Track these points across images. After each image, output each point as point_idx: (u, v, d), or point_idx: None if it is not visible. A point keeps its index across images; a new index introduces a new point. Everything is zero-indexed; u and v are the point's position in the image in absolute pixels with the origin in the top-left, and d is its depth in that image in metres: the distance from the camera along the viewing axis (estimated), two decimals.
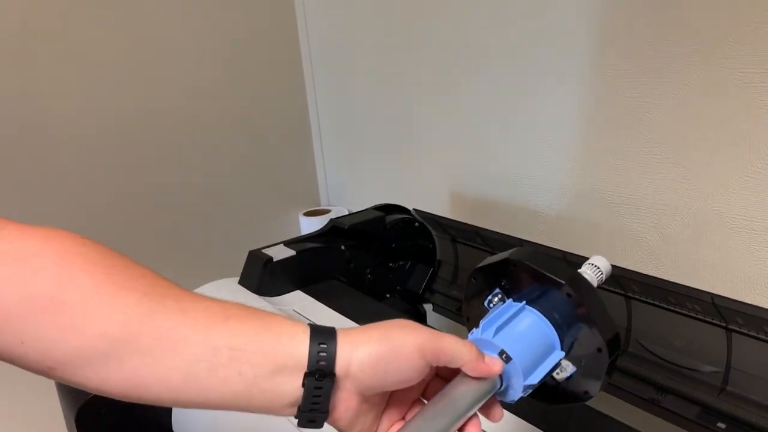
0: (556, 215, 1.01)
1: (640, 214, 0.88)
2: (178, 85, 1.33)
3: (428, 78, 1.19)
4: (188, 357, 0.36)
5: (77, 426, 0.76)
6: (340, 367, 0.38)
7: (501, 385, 0.41)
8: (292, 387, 0.37)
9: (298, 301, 0.88)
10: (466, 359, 0.39)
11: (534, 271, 0.44)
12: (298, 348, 0.37)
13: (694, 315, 0.70)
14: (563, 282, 0.42)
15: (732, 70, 0.74)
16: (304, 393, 0.37)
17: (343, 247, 0.98)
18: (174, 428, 0.81)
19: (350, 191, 1.57)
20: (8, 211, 1.06)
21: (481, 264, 0.47)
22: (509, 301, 0.45)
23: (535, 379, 0.41)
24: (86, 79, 1.21)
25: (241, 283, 0.91)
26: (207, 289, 0.91)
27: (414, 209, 1.05)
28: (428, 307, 1.06)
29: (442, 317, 1.04)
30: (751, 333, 0.66)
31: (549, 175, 1.01)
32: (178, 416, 0.79)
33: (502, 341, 0.41)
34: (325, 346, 0.38)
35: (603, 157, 0.92)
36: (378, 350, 0.38)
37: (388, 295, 1.03)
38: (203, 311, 0.38)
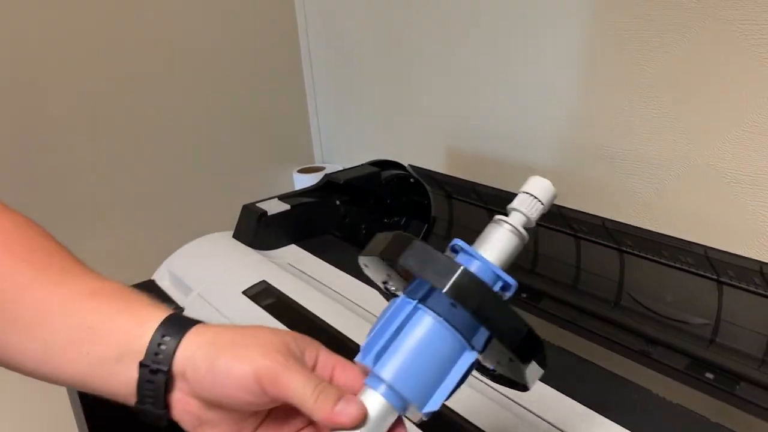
0: (552, 170, 1.00)
1: (636, 168, 0.88)
2: (169, 38, 1.31)
3: (425, 31, 1.17)
4: (50, 331, 0.36)
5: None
6: (178, 364, 0.35)
7: (401, 409, 0.34)
8: (130, 376, 0.35)
9: (293, 255, 0.89)
10: (310, 407, 0.33)
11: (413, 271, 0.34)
12: (143, 337, 0.35)
13: (687, 268, 0.71)
14: (442, 289, 0.33)
15: (732, 22, 0.73)
16: (137, 384, 0.35)
17: (338, 202, 0.98)
18: None
19: (345, 148, 1.56)
20: None
21: (362, 253, 0.39)
22: (402, 297, 0.36)
23: (441, 397, 0.34)
24: (77, 31, 1.18)
25: (235, 236, 0.91)
26: (201, 242, 0.91)
27: (410, 165, 1.04)
28: None
29: None
30: (741, 285, 0.66)
31: (546, 129, 1.00)
32: None
33: (387, 367, 0.34)
34: (168, 338, 0.35)
35: (600, 112, 0.91)
36: (215, 360, 0.34)
37: None
38: (78, 286, 0.37)
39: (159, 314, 0.36)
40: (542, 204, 0.38)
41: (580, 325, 0.79)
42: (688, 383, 0.66)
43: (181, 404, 0.36)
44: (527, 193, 0.38)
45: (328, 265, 0.84)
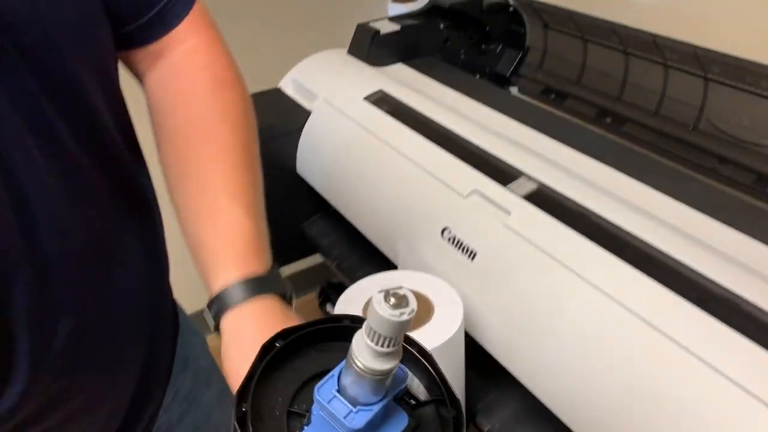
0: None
1: None
2: None
3: None
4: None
5: None
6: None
7: None
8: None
9: (402, 71, 0.99)
10: None
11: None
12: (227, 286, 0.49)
13: (765, 94, 0.78)
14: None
15: None
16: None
17: (441, 26, 1.06)
18: (298, 169, 0.96)
19: None
20: None
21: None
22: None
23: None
24: None
25: (350, 53, 1.02)
26: (319, 57, 1.03)
27: None
28: (514, 90, 1.15)
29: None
30: None
31: None
32: (302, 160, 0.94)
33: None
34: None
35: None
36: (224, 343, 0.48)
37: (478, 76, 1.12)
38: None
39: (241, 276, 0.49)
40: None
41: (658, 146, 0.89)
42: (754, 196, 0.76)
43: None
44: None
45: (435, 81, 0.95)
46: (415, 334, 0.62)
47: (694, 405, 0.49)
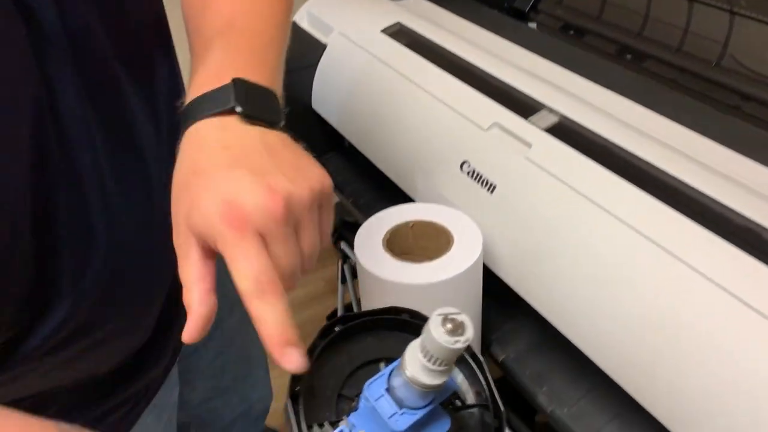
0: None
1: None
2: None
3: None
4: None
5: None
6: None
7: None
8: None
9: (418, 4, 0.97)
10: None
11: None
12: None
13: None
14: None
15: None
16: None
17: None
18: (313, 105, 0.96)
19: None
20: None
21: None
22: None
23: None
24: None
25: None
26: None
27: None
28: (532, 26, 1.13)
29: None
30: None
31: None
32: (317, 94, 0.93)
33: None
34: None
35: None
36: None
37: (496, 11, 1.10)
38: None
39: (227, 78, 0.42)
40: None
41: (680, 83, 0.88)
42: None
43: None
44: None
45: (453, 14, 0.93)
46: (435, 264, 0.63)
47: (716, 334, 0.50)
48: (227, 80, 0.41)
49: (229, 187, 0.35)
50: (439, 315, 0.32)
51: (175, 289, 0.58)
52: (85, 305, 0.45)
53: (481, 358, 0.42)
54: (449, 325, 0.32)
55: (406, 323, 0.41)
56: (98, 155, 0.43)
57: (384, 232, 0.68)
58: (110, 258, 0.45)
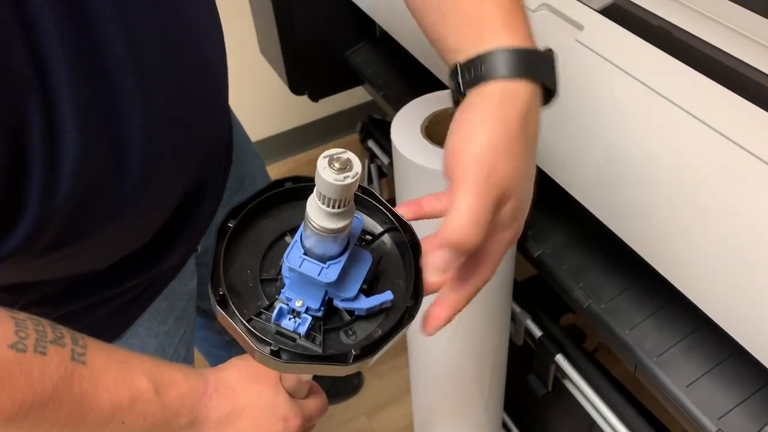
0: None
1: None
2: None
3: None
4: None
5: None
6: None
7: None
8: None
9: None
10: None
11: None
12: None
13: None
14: None
15: None
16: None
17: None
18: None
19: None
20: None
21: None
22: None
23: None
24: None
25: None
26: None
27: None
28: None
29: None
30: None
31: None
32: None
33: None
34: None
35: None
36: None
37: None
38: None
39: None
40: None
41: None
42: None
43: None
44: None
45: None
46: None
47: None
48: (533, 44, 0.41)
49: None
50: (325, 157, 0.33)
51: (194, 182, 0.56)
52: (51, 227, 0.42)
53: (372, 189, 0.43)
54: (336, 165, 0.32)
55: (293, 191, 0.42)
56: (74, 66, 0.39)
57: (422, 119, 0.65)
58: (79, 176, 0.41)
